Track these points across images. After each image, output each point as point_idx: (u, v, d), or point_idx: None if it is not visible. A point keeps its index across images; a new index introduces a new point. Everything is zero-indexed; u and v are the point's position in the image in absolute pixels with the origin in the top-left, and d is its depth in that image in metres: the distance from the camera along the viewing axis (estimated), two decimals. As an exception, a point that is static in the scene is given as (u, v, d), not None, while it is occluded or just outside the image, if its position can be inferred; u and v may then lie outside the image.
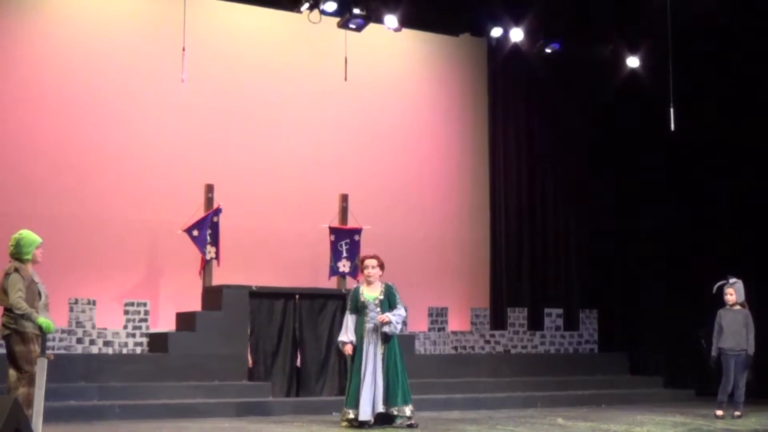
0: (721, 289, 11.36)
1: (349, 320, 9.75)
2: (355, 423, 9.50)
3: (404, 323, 10.60)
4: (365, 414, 9.43)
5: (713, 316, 11.39)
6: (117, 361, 11.57)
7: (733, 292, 11.26)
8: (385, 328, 9.58)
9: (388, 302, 9.67)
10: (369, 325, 9.62)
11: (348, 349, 9.68)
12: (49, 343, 8.74)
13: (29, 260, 8.09)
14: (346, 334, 9.71)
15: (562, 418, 10.89)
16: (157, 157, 13.32)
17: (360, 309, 9.69)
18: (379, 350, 9.59)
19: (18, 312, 7.88)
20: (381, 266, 9.80)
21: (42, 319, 7.89)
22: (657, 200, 15.22)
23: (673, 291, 14.77)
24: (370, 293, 9.72)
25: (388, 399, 9.54)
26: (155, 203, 13.13)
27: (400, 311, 9.68)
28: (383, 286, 9.76)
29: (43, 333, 7.88)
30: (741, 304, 11.30)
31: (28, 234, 8.15)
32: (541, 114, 15.84)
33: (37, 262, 8.19)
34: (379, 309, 9.62)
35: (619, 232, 15.64)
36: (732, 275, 11.34)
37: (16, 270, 7.99)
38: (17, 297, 7.90)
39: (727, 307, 11.31)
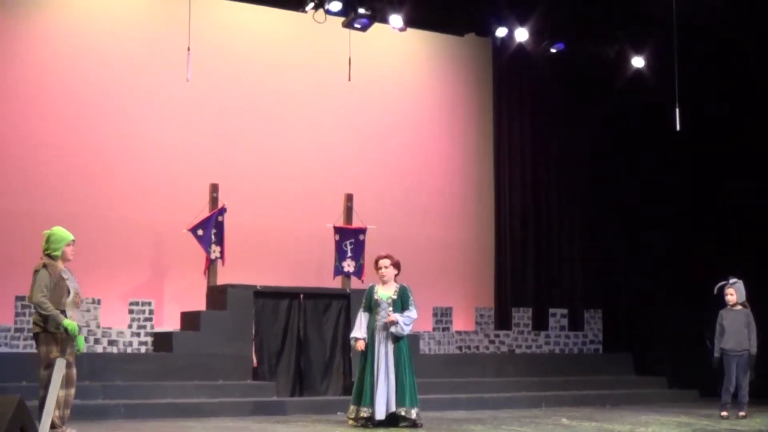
0: (721, 290, 11.32)
1: (362, 317, 9.79)
2: (362, 421, 9.51)
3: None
4: (381, 413, 9.45)
5: (716, 317, 11.37)
6: (121, 360, 11.59)
7: (734, 292, 11.21)
8: (392, 328, 9.60)
9: (401, 303, 9.70)
10: (380, 324, 9.66)
11: (360, 345, 9.70)
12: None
13: (59, 257, 8.13)
14: (359, 331, 9.74)
15: (566, 418, 10.90)
16: (162, 156, 13.34)
17: (373, 307, 9.73)
18: (390, 349, 9.60)
19: (43, 312, 7.91)
20: (395, 266, 9.84)
21: (67, 321, 7.92)
22: (660, 200, 15.20)
23: (677, 291, 14.75)
24: (384, 292, 9.76)
25: (398, 399, 9.54)
26: (160, 202, 13.14)
27: (411, 313, 9.69)
28: (398, 286, 9.80)
29: (68, 334, 7.90)
30: (742, 304, 11.24)
31: (58, 230, 8.24)
32: (546, 114, 15.83)
33: (68, 260, 8.24)
34: (391, 308, 9.65)
35: (624, 232, 15.65)
36: (732, 275, 11.31)
37: (45, 267, 8.05)
38: (40, 297, 7.93)
39: (728, 307, 11.27)
